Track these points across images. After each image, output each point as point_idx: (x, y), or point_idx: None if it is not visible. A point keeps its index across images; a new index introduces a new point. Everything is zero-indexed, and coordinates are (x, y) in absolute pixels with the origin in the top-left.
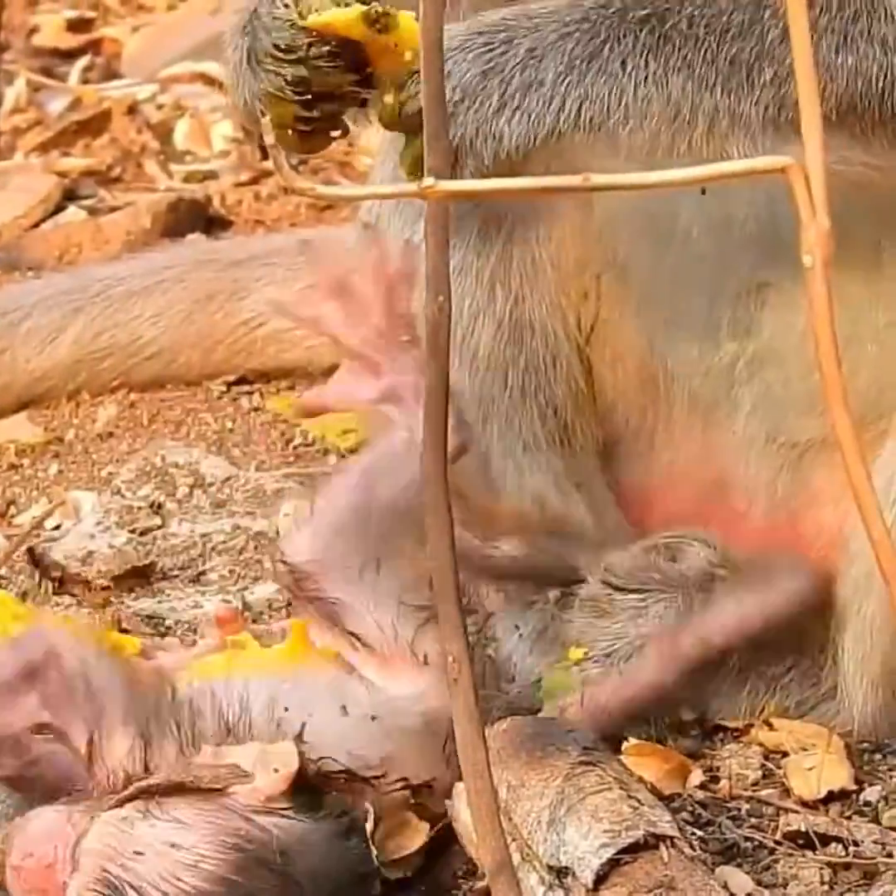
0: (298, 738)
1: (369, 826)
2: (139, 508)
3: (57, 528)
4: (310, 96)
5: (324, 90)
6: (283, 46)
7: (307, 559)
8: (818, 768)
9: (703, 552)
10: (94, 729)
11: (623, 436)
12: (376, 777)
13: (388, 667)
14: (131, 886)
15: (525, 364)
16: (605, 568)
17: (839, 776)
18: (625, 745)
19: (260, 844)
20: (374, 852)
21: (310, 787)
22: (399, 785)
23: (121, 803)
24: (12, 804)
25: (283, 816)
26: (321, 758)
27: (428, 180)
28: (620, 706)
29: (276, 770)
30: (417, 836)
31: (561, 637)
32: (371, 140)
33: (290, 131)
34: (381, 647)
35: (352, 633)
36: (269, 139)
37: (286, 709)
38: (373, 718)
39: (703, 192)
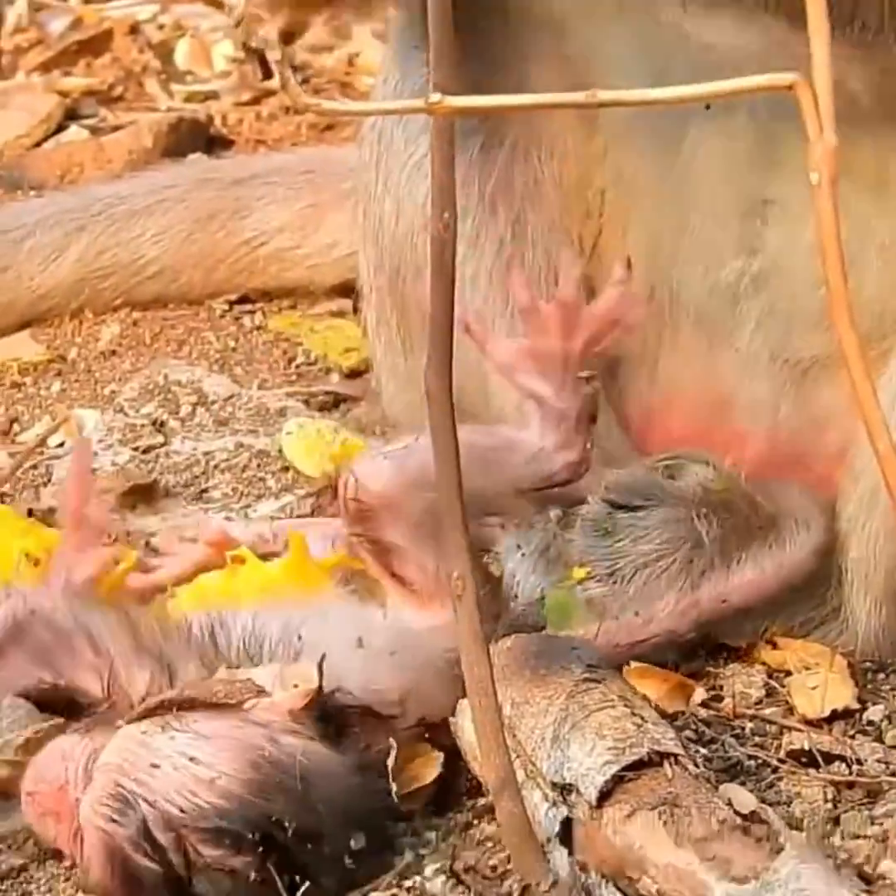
0: (319, 666)
1: (391, 762)
2: (142, 426)
3: (60, 445)
4: None
5: None
6: None
7: (379, 494)
8: (822, 687)
9: (702, 471)
10: (105, 672)
11: (625, 355)
12: (393, 716)
13: (425, 607)
14: (145, 801)
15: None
16: (605, 487)
17: (842, 695)
18: (626, 668)
19: (281, 767)
20: (393, 788)
21: (332, 717)
22: (417, 724)
23: (140, 718)
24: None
25: (307, 739)
26: (335, 689)
27: (434, 96)
28: (632, 646)
29: (295, 686)
30: (431, 768)
31: (563, 556)
32: (372, 59)
33: None
34: (422, 588)
35: (395, 576)
36: (275, 55)
37: (300, 637)
38: (392, 654)
39: (708, 107)
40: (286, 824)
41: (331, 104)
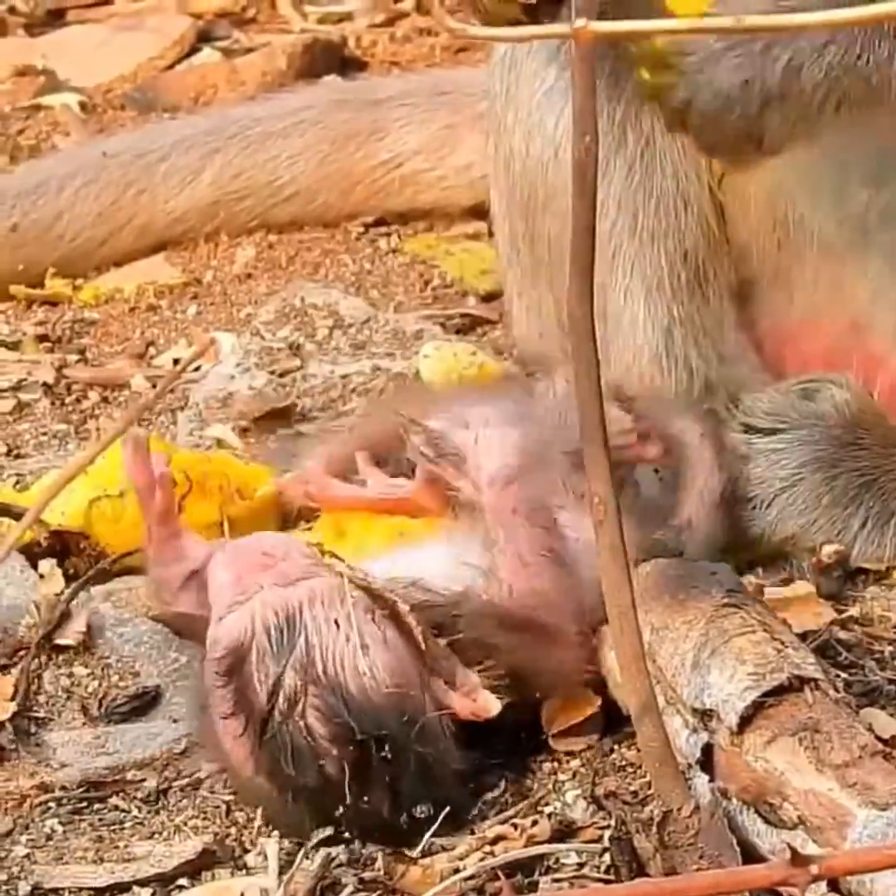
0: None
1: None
2: (279, 350)
3: (197, 369)
4: None
5: None
6: None
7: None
8: None
9: (838, 393)
10: None
11: (758, 279)
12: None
13: None
14: (305, 641)
15: (656, 206)
16: (742, 410)
17: None
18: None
19: (413, 718)
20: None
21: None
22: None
23: (367, 592)
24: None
25: (444, 723)
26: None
27: (579, 22)
28: None
29: (473, 699)
30: (586, 707)
31: None
32: None
33: None
34: None
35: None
36: None
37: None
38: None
39: None
40: (386, 752)
41: (476, 29)
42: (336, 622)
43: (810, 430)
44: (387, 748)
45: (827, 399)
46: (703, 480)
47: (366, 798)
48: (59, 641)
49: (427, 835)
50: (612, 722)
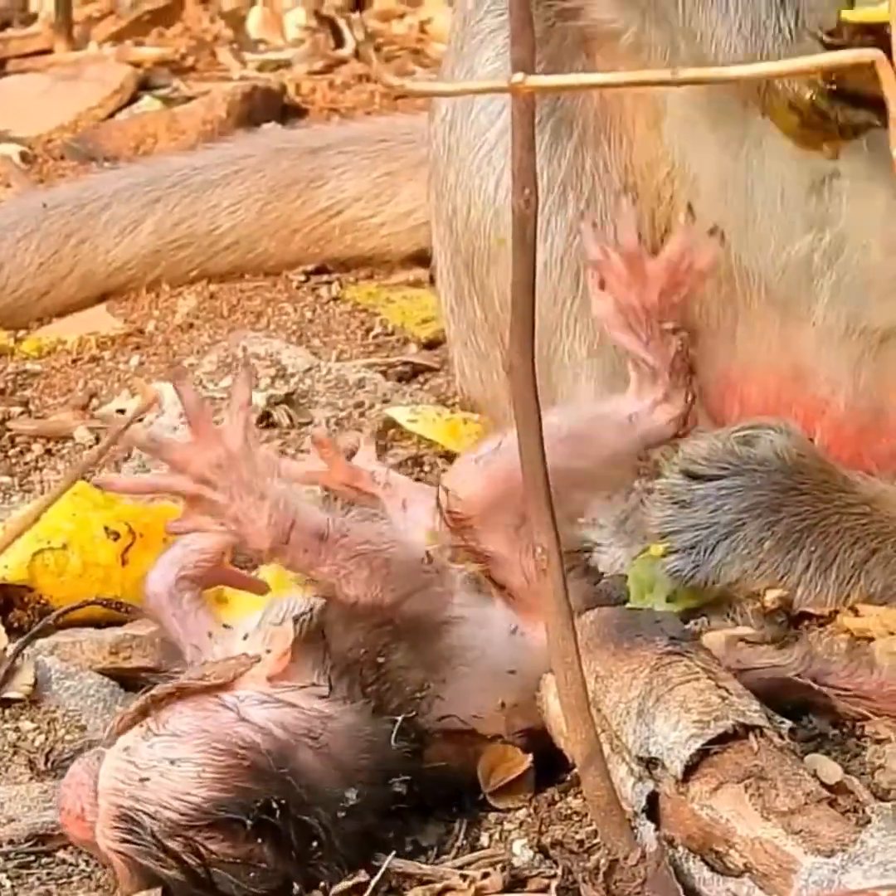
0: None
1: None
2: (221, 400)
3: (140, 420)
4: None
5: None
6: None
7: (470, 502)
8: None
9: (778, 439)
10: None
11: (701, 328)
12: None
13: (530, 613)
14: (146, 815)
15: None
16: (682, 457)
17: None
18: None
19: (251, 748)
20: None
21: (340, 672)
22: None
23: (122, 731)
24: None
25: (285, 706)
26: (444, 716)
27: (517, 76)
28: None
29: (268, 651)
30: (519, 764)
31: (641, 529)
32: (444, 25)
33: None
34: (526, 596)
35: (498, 584)
36: (358, 35)
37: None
38: (511, 672)
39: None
40: (274, 802)
41: (414, 84)
42: (143, 779)
43: (751, 476)
44: (278, 801)
45: (767, 444)
46: None
47: (309, 865)
48: (7, 695)
49: (372, 884)
50: (554, 771)
